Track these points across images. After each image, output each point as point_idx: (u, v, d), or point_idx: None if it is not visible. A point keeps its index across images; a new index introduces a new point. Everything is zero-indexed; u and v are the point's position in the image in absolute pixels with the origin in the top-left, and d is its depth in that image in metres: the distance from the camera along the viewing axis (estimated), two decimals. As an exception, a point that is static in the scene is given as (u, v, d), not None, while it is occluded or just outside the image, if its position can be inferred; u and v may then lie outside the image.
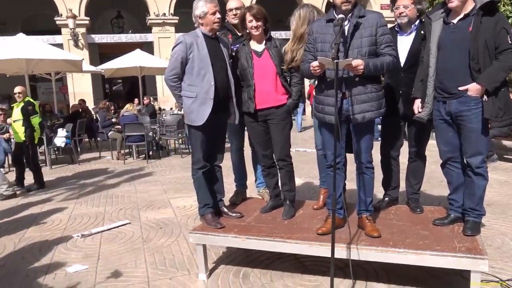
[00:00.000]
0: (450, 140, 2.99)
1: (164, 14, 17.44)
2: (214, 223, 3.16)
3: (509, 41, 2.70)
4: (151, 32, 17.79)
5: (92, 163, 8.89)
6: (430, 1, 8.15)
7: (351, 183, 3.87)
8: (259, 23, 3.23)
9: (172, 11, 17.54)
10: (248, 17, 3.23)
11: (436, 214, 3.21)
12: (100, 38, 17.79)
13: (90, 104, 14.95)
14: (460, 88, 2.80)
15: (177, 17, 17.27)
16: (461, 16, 2.83)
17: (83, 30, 16.69)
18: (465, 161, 2.99)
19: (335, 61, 2.46)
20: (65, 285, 3.10)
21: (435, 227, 2.95)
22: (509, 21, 7.34)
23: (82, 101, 12.49)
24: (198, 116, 3.16)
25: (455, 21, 2.87)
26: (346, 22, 2.78)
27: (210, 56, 3.16)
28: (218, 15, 3.18)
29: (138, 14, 18.89)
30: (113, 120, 9.93)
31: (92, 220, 4.70)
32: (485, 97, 2.75)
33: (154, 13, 17.37)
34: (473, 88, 2.75)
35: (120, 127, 9.19)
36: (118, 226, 4.42)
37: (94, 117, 12.38)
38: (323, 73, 2.83)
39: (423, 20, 3.24)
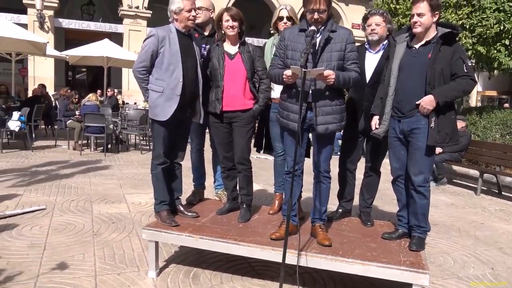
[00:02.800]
0: (401, 158, 3.12)
1: (138, 7, 17.15)
2: (169, 220, 3.13)
3: (465, 69, 2.89)
4: (121, 23, 17.43)
5: (46, 151, 8.55)
6: (399, 25, 8.48)
7: (307, 193, 3.95)
8: (235, 23, 3.27)
9: (146, 4, 17.28)
10: (226, 16, 3.27)
11: (385, 228, 3.33)
12: (68, 23, 17.22)
13: (50, 90, 14.41)
14: (416, 102, 2.93)
15: (151, 11, 17.02)
16: (423, 42, 2.99)
17: (50, 12, 16.10)
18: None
19: (304, 70, 2.53)
20: (6, 274, 2.96)
21: (383, 240, 3.06)
22: (469, 53, 7.78)
23: (42, 86, 12.02)
24: (163, 111, 3.14)
25: (417, 46, 3.02)
26: (318, 34, 2.86)
27: (181, 53, 3.15)
28: (193, 13, 3.20)
29: (110, 4, 18.45)
30: (77, 112, 9.45)
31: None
32: (432, 123, 2.90)
33: (128, 4, 17.04)
34: (426, 99, 2.88)
35: (79, 116, 8.91)
36: (33, 211, 4.38)
37: (54, 104, 11.94)
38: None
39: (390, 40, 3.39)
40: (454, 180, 7.49)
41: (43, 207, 4.54)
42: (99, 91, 13.36)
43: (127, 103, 15.16)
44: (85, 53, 12.58)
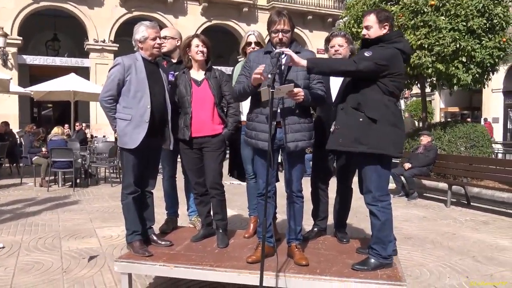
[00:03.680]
0: None
1: (104, 41, 17.11)
2: (141, 251, 3.04)
3: (355, 56, 2.84)
4: (88, 58, 17.29)
5: (11, 189, 8.22)
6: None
7: (282, 215, 3.93)
8: (205, 49, 3.32)
9: (112, 38, 17.26)
10: (196, 42, 3.32)
11: (361, 244, 3.34)
12: (33, 60, 16.95)
13: (15, 128, 14.00)
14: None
15: (117, 45, 16.99)
16: None
17: (14, 49, 15.83)
18: None
19: (271, 90, 2.58)
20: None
21: (360, 256, 3.05)
22: (429, 71, 8.06)
23: (6, 124, 11.66)
24: (132, 139, 3.10)
25: None
26: (283, 56, 2.92)
27: (148, 80, 3.16)
28: (158, 41, 3.22)
29: (75, 38, 18.33)
30: (43, 149, 9.00)
31: (6, 249, 4.30)
32: (332, 127, 2.95)
33: (94, 39, 16.98)
34: (296, 58, 2.73)
35: (46, 151, 8.64)
36: None
37: (18, 141, 11.58)
38: (257, 100, 2.92)
39: None
40: (425, 194, 7.66)
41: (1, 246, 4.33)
42: (66, 126, 13.07)
43: (95, 137, 14.88)
44: (51, 88, 12.34)
